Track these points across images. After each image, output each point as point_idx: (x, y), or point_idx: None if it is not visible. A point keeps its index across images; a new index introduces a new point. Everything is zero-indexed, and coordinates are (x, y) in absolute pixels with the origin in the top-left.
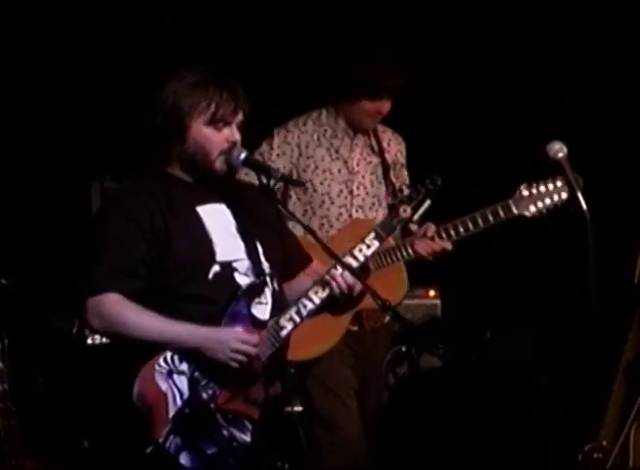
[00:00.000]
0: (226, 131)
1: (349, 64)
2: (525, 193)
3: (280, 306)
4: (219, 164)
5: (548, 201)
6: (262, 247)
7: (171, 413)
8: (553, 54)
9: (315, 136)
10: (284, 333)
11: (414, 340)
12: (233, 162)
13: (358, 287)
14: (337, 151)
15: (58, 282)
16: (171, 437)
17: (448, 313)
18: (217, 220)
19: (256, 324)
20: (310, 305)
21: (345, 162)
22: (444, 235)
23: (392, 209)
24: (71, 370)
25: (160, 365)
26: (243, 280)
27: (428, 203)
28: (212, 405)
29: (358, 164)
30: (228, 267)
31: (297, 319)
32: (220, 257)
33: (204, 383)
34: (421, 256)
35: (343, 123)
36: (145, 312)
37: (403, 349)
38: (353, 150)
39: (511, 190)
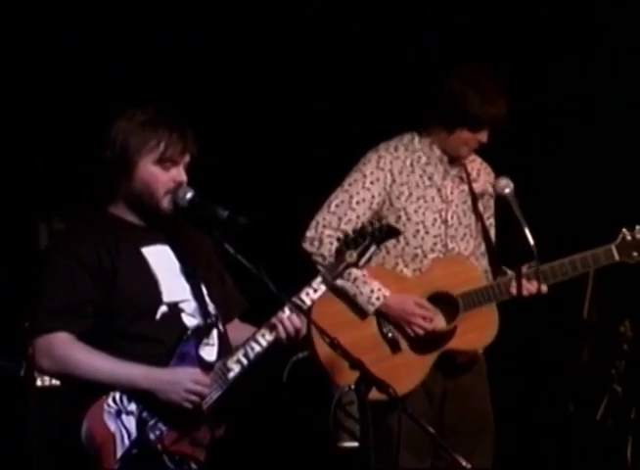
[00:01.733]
0: (173, 171)
1: (450, 95)
2: (629, 238)
3: (226, 348)
4: (165, 203)
5: None
6: (207, 288)
7: (119, 454)
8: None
9: (408, 162)
10: (231, 375)
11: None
12: (179, 201)
13: (304, 331)
14: (430, 178)
15: (4, 323)
16: None
17: None
18: (162, 262)
19: (203, 366)
20: (257, 348)
21: (439, 190)
22: (542, 278)
23: (338, 253)
24: (19, 412)
25: (108, 405)
26: (190, 321)
27: (373, 248)
28: (159, 446)
29: (452, 193)
30: (175, 308)
31: (245, 362)
32: (167, 297)
33: (151, 423)
34: (514, 297)
35: (438, 151)
36: (95, 353)
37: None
38: (446, 178)
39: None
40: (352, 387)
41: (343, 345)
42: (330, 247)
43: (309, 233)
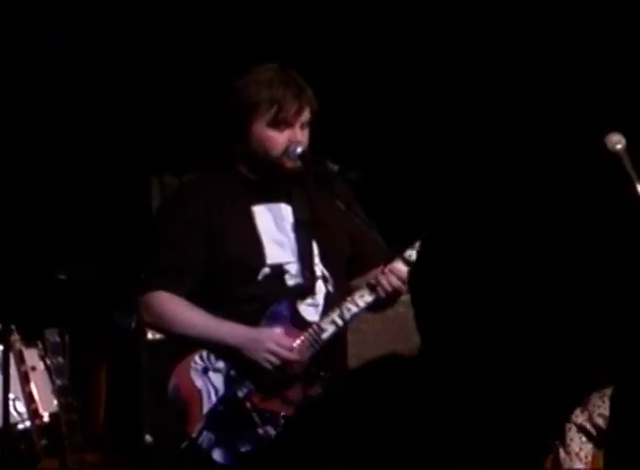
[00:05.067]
0: (288, 132)
1: None
2: None
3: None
4: (289, 164)
5: None
6: (321, 248)
7: (205, 409)
8: None
9: None
10: (325, 336)
11: None
12: (290, 155)
13: (404, 291)
14: None
15: (118, 277)
16: (205, 433)
17: None
18: (272, 221)
19: (302, 325)
20: (354, 309)
21: None
22: None
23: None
24: (132, 365)
25: (195, 362)
26: (293, 282)
27: None
28: (248, 404)
29: None
30: (279, 269)
31: (340, 322)
32: (270, 259)
33: (239, 381)
34: None
35: None
36: (194, 310)
37: None
38: None
39: None
40: None
41: None
42: None
43: None
